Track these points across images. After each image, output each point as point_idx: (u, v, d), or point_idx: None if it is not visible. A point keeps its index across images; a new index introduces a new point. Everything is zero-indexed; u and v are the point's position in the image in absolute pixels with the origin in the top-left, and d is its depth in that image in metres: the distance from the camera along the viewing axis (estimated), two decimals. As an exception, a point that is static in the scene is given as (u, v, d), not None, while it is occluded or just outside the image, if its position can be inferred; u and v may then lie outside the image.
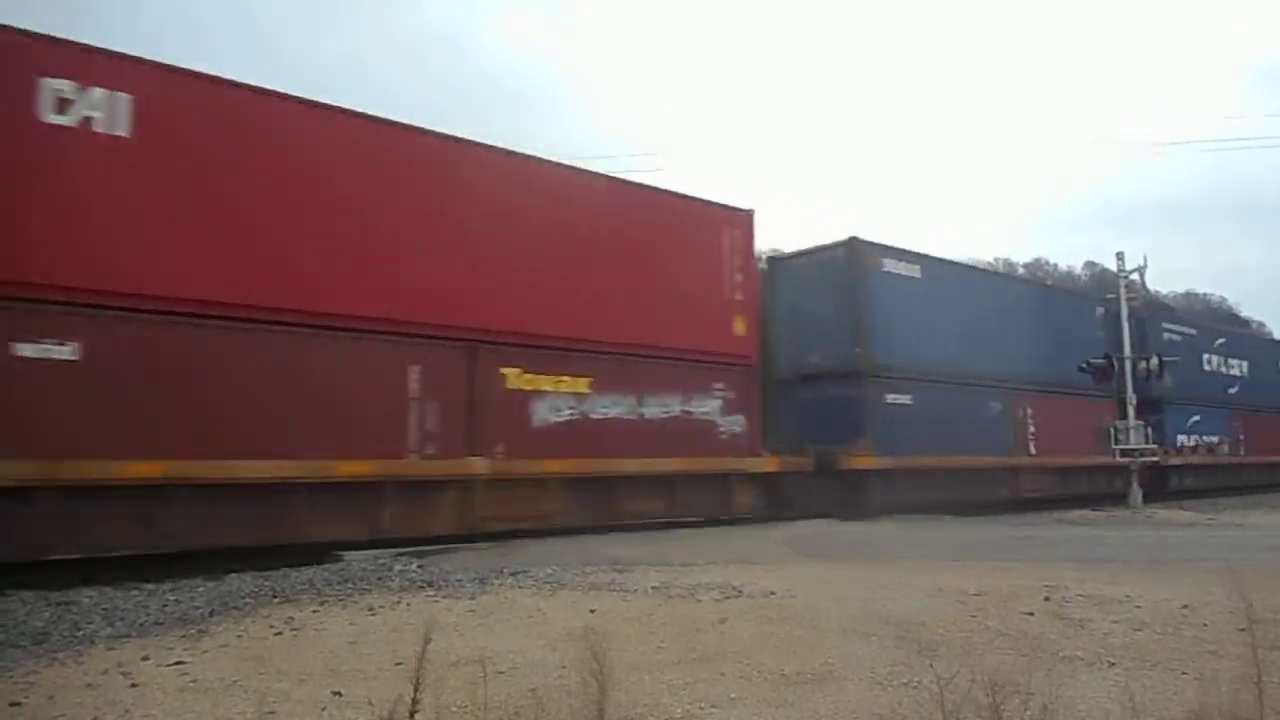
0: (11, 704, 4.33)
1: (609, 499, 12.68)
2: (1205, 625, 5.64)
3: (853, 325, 16.63)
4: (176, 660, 5.17)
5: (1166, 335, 24.70)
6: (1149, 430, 20.97)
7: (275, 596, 7.40)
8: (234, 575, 8.44)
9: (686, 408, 13.58)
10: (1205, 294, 73.20)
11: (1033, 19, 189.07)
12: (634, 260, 13.28)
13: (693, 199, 14.36)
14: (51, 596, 7.33)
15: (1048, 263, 74.44)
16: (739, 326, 14.46)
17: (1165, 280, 72.96)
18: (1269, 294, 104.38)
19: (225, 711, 4.15)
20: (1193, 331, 26.95)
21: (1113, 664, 4.81)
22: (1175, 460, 23.84)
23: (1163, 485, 22.92)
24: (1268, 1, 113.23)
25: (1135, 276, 19.93)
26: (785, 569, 8.78)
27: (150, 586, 7.88)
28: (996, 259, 67.62)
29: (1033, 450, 19.78)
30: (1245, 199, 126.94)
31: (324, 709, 4.16)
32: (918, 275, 17.74)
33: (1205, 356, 27.04)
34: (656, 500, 13.22)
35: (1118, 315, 20.72)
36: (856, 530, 13.87)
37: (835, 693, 4.33)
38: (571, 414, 12.25)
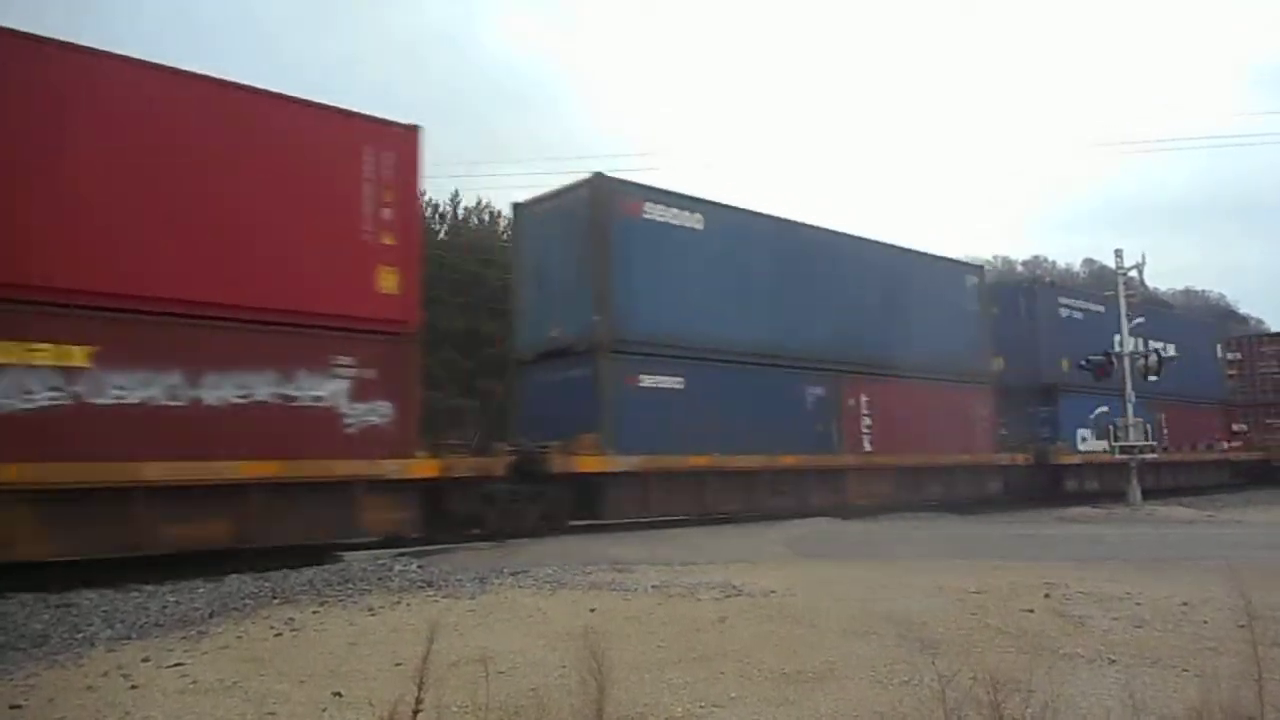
0: (12, 706, 4.32)
1: (121, 520, 8.69)
2: (1205, 622, 5.64)
3: (595, 288, 13.21)
4: (176, 662, 5.17)
5: (1064, 312, 21.90)
6: (1046, 422, 20.00)
7: (275, 597, 7.39)
8: (233, 576, 8.43)
9: (284, 390, 9.71)
10: (1204, 291, 73.35)
11: (1033, 19, 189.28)
12: (189, 181, 9.37)
13: (309, 103, 10.35)
14: (51, 599, 7.32)
15: (1046, 260, 74.54)
16: (386, 281, 10.56)
17: (1164, 278, 73.15)
18: (1269, 293, 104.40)
19: (225, 713, 4.15)
20: (1098, 309, 22.99)
21: (1113, 661, 4.81)
22: (1071, 458, 21.02)
23: (1055, 487, 20.49)
24: (1268, 1, 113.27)
25: (1134, 274, 19.90)
26: (785, 568, 8.78)
27: (150, 588, 7.88)
28: (995, 257, 67.76)
29: (867, 447, 16.58)
30: (1245, 198, 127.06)
31: (324, 710, 4.16)
32: (699, 226, 14.26)
33: (1116, 337, 22.76)
34: (218, 522, 9.25)
35: (1001, 289, 19.70)
36: (856, 530, 13.89)
37: (836, 691, 4.33)
38: (53, 398, 8.37)
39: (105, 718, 4.13)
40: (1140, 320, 23.35)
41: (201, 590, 7.77)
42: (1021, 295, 22.08)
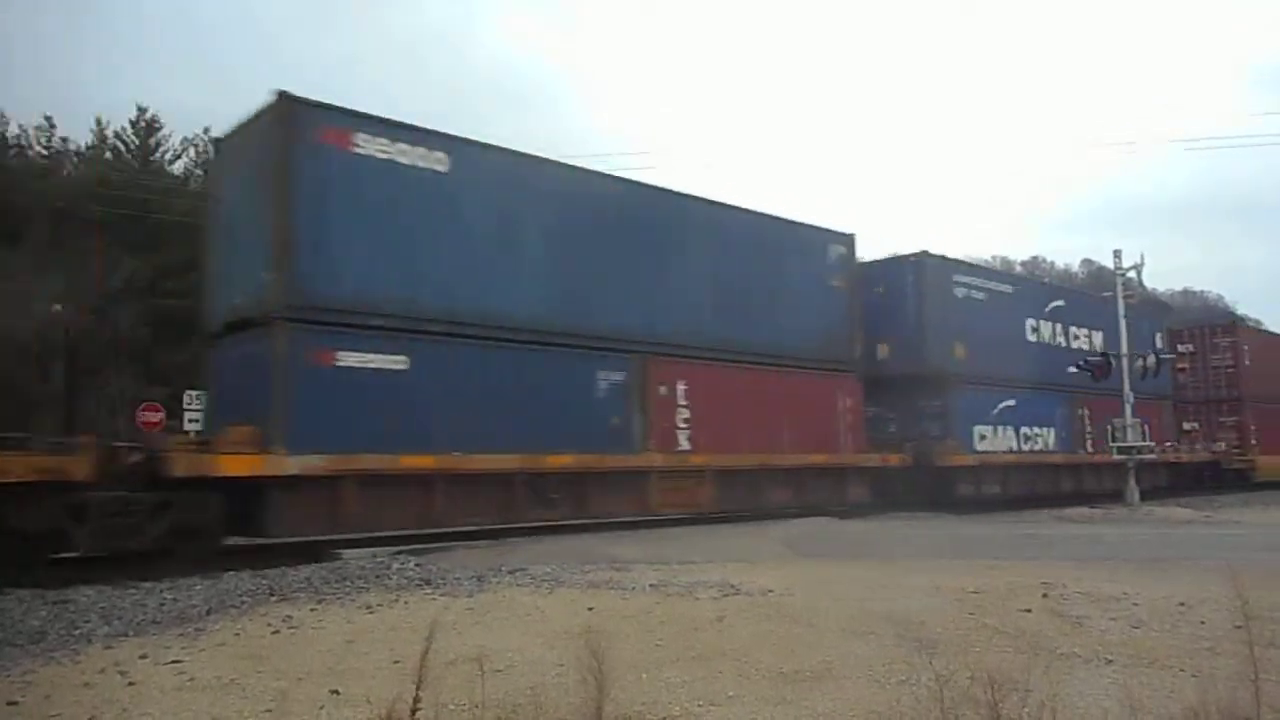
0: (9, 703, 4.32)
1: None
2: (1202, 623, 5.65)
3: (273, 239, 10.36)
4: (174, 659, 5.17)
5: (960, 291, 18.97)
6: (936, 418, 17.79)
7: (273, 595, 7.40)
8: (231, 574, 8.44)
9: None
10: (1203, 292, 73.42)
11: (1033, 19, 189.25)
12: None
13: None
14: (48, 595, 7.32)
15: (1045, 260, 74.63)
16: None
17: (1164, 278, 73.32)
18: (1269, 293, 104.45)
19: (223, 710, 4.14)
20: (1005, 289, 20.58)
21: (1110, 661, 4.82)
22: (962, 459, 18.13)
23: (945, 491, 17.82)
24: (1268, 1, 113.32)
25: (1132, 275, 19.92)
26: (783, 568, 8.79)
27: (147, 585, 7.88)
28: (994, 257, 67.74)
29: (684, 444, 13.63)
30: (1245, 198, 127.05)
31: (322, 707, 4.15)
32: (442, 169, 11.40)
33: (1029, 323, 20.80)
34: None
35: (886, 264, 17.67)
36: (855, 529, 13.89)
37: (834, 690, 4.33)
38: None
39: (102, 715, 4.12)
40: (1058, 304, 21.33)
41: (199, 587, 7.77)
42: (909, 271, 18.69)
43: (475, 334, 11.56)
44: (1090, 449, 21.47)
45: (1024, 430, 19.99)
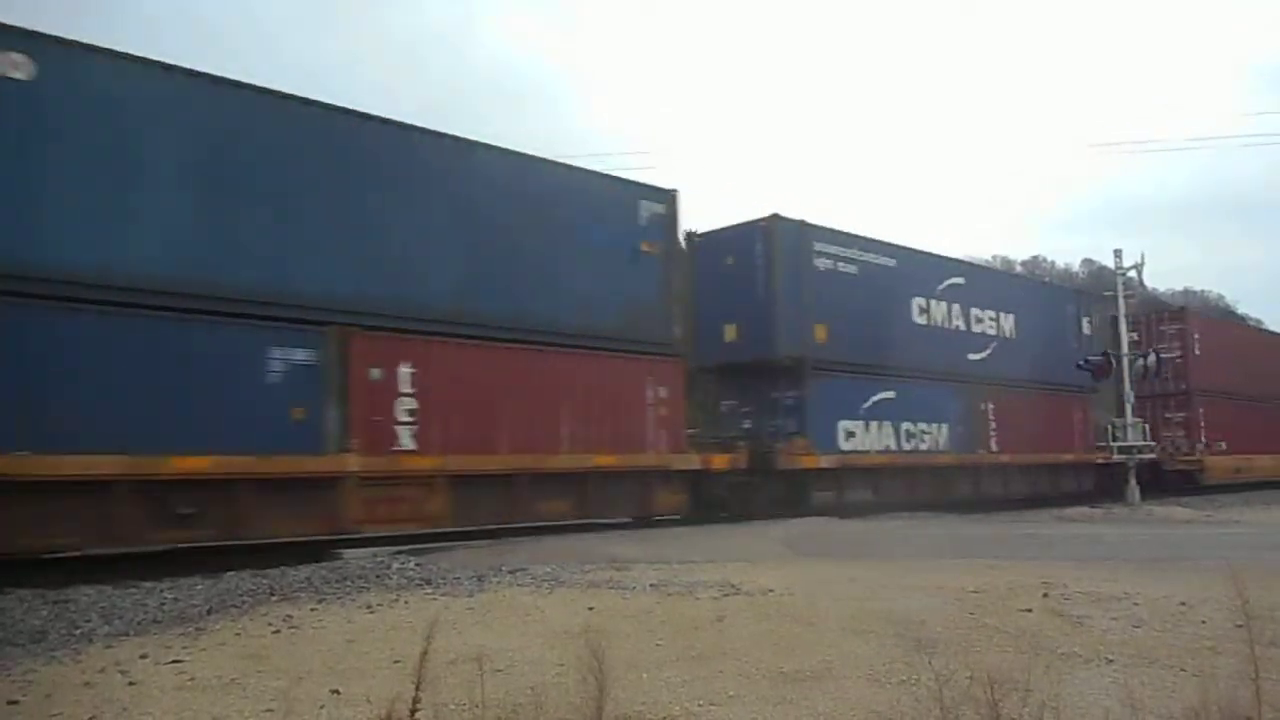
0: (9, 702, 4.32)
1: None
2: (1203, 622, 5.65)
3: None
4: (174, 658, 5.16)
5: (823, 263, 16.01)
6: (792, 411, 15.34)
7: (273, 594, 7.40)
8: (232, 573, 8.43)
9: None
10: (1203, 291, 73.34)
11: (1032, 19, 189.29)
12: None
13: None
14: (49, 595, 7.32)
15: (1045, 260, 74.60)
16: None
17: (1164, 278, 73.17)
18: (1269, 293, 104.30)
19: (223, 710, 4.14)
20: (887, 262, 17.25)
21: (1111, 661, 4.81)
22: (812, 460, 15.27)
23: (799, 500, 15.11)
24: (1268, 1, 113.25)
25: (1132, 274, 19.94)
26: (783, 567, 8.79)
27: (148, 584, 7.88)
28: (994, 257, 67.66)
29: (406, 444, 10.88)
30: (1245, 198, 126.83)
31: (322, 707, 4.15)
32: (23, 75, 8.67)
33: (917, 302, 17.81)
34: None
35: (734, 231, 15.33)
36: (854, 529, 13.88)
37: (834, 690, 4.33)
38: None
39: (103, 714, 4.12)
40: (955, 282, 18.57)
41: (200, 587, 7.77)
42: (759, 239, 15.69)
43: (70, 295, 8.73)
44: (995, 447, 18.93)
45: (906, 426, 17.22)
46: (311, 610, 6.68)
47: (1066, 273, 68.05)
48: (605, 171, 13.84)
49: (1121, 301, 19.48)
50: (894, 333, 17.07)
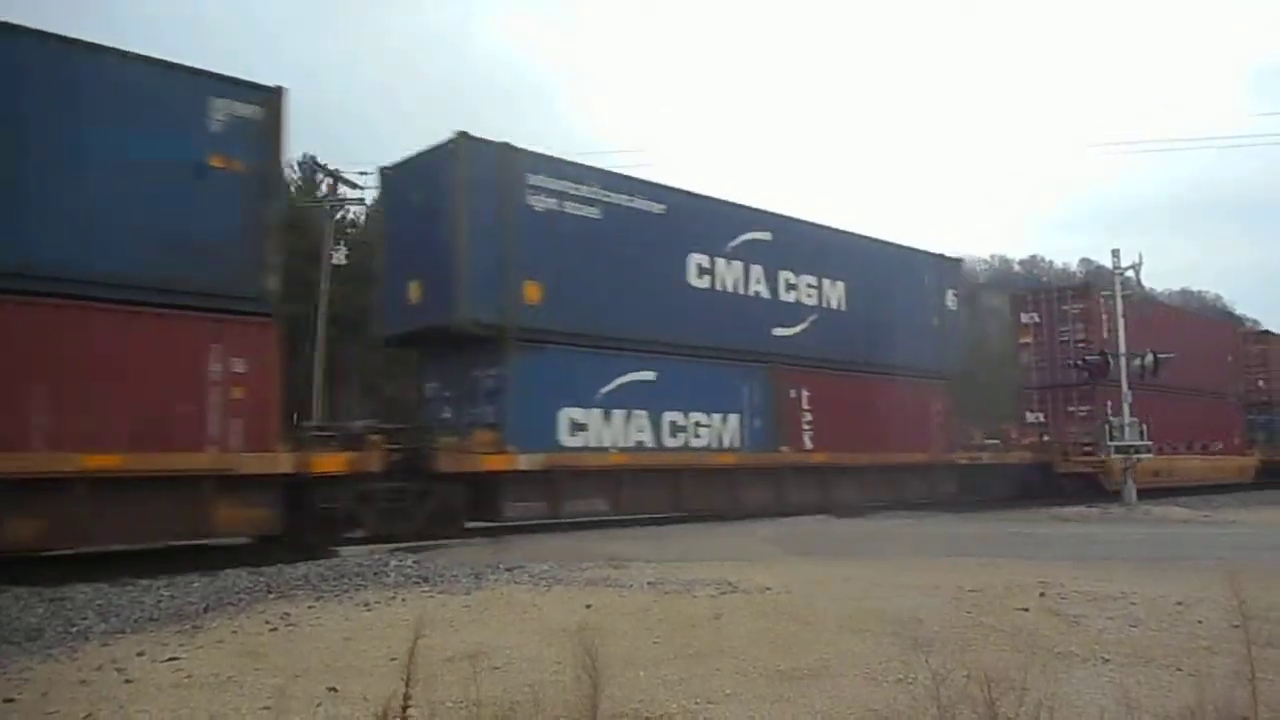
0: (6, 700, 4.31)
1: None
2: (1200, 622, 5.66)
3: None
4: (171, 656, 5.16)
5: (541, 203, 12.64)
6: (491, 395, 12.11)
7: (270, 592, 7.39)
8: (229, 571, 8.42)
9: None
10: (1201, 291, 73.54)
11: (1032, 19, 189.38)
12: None
13: None
14: (45, 592, 7.31)
15: (1043, 260, 74.70)
16: None
17: (1162, 278, 73.32)
18: (1267, 293, 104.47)
19: (220, 707, 4.14)
20: (651, 208, 13.87)
21: (1108, 660, 4.82)
22: (509, 462, 11.85)
23: (489, 510, 11.94)
24: (1268, 1, 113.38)
25: (1130, 274, 19.94)
26: (780, 566, 8.80)
27: (145, 582, 7.87)
28: (993, 256, 67.79)
29: None
30: (1244, 199, 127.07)
31: (319, 704, 4.15)
32: None
33: (697, 260, 14.45)
34: None
35: (420, 160, 12.38)
36: (850, 527, 13.88)
37: (831, 688, 4.33)
38: None
39: (100, 712, 4.12)
40: (756, 238, 15.01)
41: (197, 585, 7.76)
42: (445, 166, 12.35)
43: None
44: (810, 445, 15.68)
45: (671, 418, 13.82)
46: (309, 608, 6.68)
47: (1065, 272, 68.12)
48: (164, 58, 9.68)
49: (1119, 303, 19.48)
50: (657, 298, 13.80)
